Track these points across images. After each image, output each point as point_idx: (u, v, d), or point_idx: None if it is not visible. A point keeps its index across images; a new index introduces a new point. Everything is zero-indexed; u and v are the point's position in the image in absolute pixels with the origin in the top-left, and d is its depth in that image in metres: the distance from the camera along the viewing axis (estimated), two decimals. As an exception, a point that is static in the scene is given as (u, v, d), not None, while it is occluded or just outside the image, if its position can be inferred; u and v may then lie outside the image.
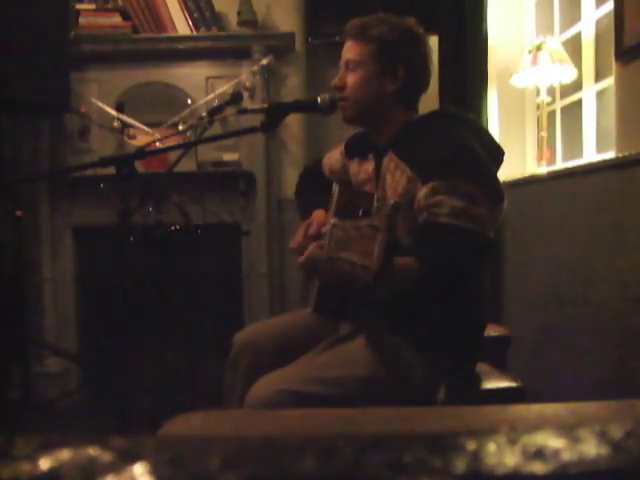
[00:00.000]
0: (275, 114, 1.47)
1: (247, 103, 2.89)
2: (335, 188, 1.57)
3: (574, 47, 2.55)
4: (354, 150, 1.63)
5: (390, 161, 1.42)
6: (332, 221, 1.12)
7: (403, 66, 1.43)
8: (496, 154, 1.44)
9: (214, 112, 2.06)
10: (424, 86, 1.49)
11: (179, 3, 3.09)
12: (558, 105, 2.74)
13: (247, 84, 3.06)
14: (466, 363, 1.45)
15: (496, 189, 1.32)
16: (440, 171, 1.28)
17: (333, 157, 1.75)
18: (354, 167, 1.60)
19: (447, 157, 1.30)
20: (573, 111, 2.62)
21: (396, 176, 1.38)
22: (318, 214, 1.57)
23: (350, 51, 1.45)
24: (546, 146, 2.55)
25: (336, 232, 1.10)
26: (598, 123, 2.41)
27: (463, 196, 1.24)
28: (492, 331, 1.81)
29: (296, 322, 1.62)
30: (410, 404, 1.15)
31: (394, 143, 1.43)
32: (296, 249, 1.52)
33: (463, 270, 1.25)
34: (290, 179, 3.17)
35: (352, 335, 1.43)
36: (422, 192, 1.28)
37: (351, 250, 1.03)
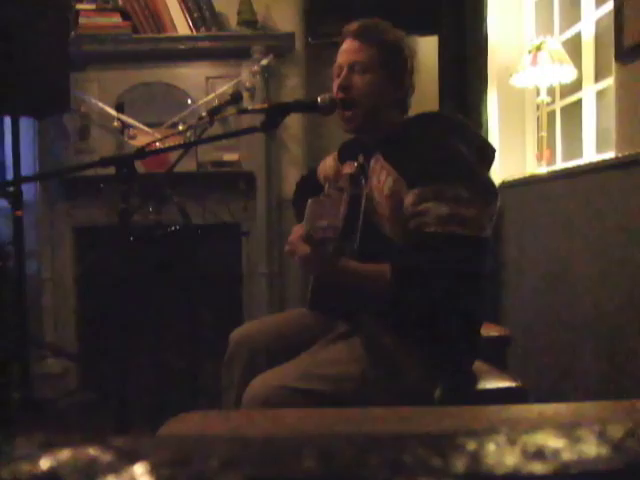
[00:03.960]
0: (275, 114, 1.47)
1: (247, 103, 2.90)
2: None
3: (574, 47, 2.55)
4: (347, 154, 1.64)
5: (376, 162, 1.42)
6: (309, 200, 1.21)
7: (407, 74, 1.45)
8: (486, 153, 1.44)
9: (214, 112, 2.05)
10: (413, 90, 1.51)
11: (179, 3, 3.09)
12: (558, 105, 2.74)
13: (247, 84, 3.06)
14: (462, 362, 1.45)
15: (486, 187, 1.31)
16: (424, 176, 1.28)
17: (327, 164, 1.76)
18: (346, 170, 1.60)
19: (430, 161, 1.30)
20: (573, 111, 2.62)
21: (382, 177, 1.38)
22: None
23: (356, 53, 1.41)
24: (546, 146, 2.55)
25: (310, 207, 1.19)
26: (598, 123, 2.41)
27: (449, 200, 1.24)
28: (492, 331, 1.81)
29: (291, 320, 1.63)
30: (405, 403, 1.15)
31: (381, 145, 1.44)
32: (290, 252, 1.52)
33: (460, 273, 1.25)
34: (290, 179, 3.17)
35: (349, 334, 1.44)
36: (408, 200, 1.29)
37: (323, 217, 1.14)
